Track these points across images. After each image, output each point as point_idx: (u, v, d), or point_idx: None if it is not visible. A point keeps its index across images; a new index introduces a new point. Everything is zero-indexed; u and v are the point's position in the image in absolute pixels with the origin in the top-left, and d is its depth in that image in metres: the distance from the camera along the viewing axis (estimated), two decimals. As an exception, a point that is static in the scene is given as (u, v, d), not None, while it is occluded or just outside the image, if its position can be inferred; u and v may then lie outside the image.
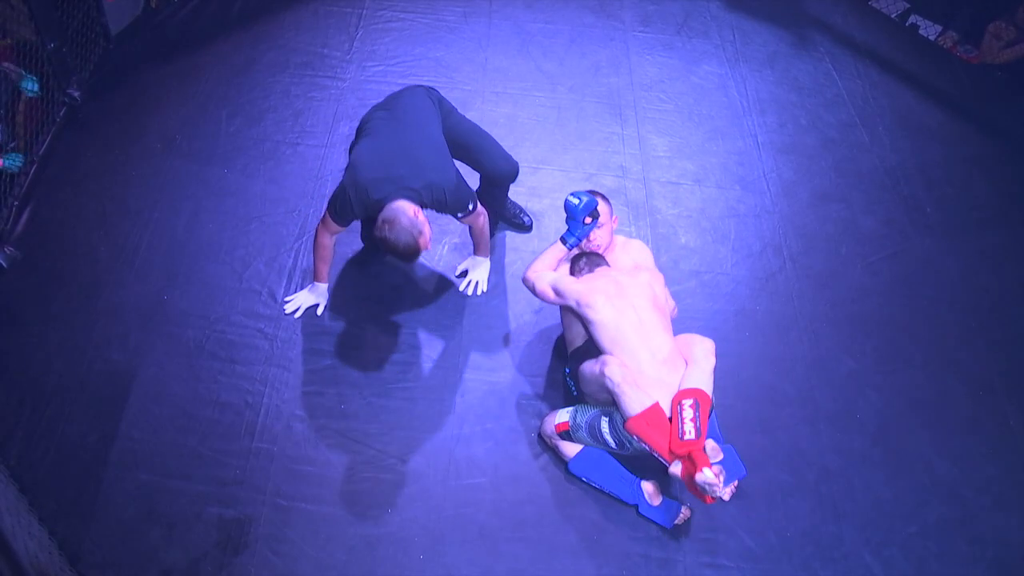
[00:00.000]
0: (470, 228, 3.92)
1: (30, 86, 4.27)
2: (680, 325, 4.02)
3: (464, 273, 4.13)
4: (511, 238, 4.34)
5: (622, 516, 3.46)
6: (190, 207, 4.26)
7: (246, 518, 3.30)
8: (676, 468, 3.11)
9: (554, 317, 3.93)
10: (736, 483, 3.18)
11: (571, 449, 3.52)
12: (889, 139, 5.15)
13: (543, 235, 4.34)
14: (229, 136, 4.62)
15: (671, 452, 3.12)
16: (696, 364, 3.30)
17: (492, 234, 4.21)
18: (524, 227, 4.40)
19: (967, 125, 5.37)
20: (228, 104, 4.78)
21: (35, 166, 4.27)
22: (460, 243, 4.27)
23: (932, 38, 6.03)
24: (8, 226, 4.04)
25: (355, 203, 3.43)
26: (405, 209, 3.32)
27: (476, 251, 4.07)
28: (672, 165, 4.75)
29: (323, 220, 3.60)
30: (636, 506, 3.48)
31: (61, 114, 4.53)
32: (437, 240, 4.26)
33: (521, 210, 4.42)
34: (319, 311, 3.92)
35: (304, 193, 4.39)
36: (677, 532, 3.43)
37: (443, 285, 4.12)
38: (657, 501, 3.46)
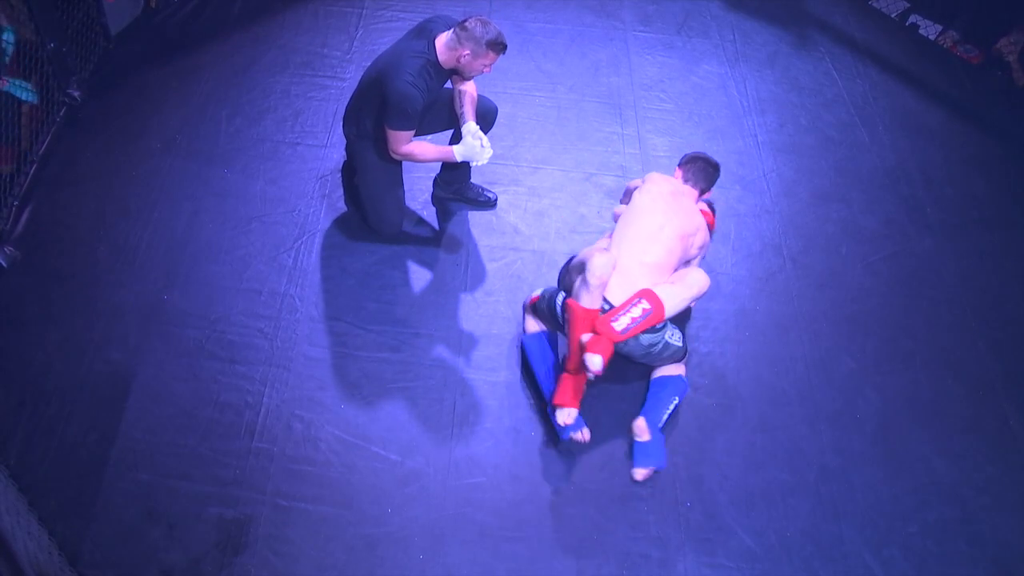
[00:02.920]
0: (463, 94, 3.93)
1: (25, 96, 4.26)
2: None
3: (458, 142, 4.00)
4: (511, 239, 4.34)
5: (622, 516, 3.46)
6: (190, 207, 4.26)
7: (246, 518, 3.30)
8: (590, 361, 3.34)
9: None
10: (652, 470, 3.53)
11: (531, 327, 3.80)
12: (889, 139, 5.15)
13: (543, 234, 4.35)
14: (229, 136, 4.62)
15: (596, 324, 3.39)
16: (679, 284, 3.53)
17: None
18: (491, 203, 4.47)
19: (967, 125, 5.37)
20: (228, 104, 4.78)
21: (35, 166, 4.27)
22: (459, 242, 4.27)
23: (932, 38, 6.02)
24: (8, 226, 4.04)
25: (420, 76, 3.61)
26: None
27: (467, 117, 3.91)
28: (672, 165, 4.69)
29: (397, 141, 3.73)
30: (548, 403, 3.62)
31: (61, 114, 4.53)
32: (436, 241, 4.27)
33: (483, 189, 4.48)
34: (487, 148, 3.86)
35: (304, 193, 4.39)
36: (677, 531, 3.43)
37: (443, 286, 4.12)
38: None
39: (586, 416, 3.64)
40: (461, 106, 3.91)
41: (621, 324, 3.37)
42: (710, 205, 4.07)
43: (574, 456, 3.60)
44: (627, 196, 3.98)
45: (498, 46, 3.62)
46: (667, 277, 3.57)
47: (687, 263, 3.80)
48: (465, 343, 3.92)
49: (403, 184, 4.15)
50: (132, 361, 3.68)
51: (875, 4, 6.17)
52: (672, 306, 3.44)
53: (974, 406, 3.97)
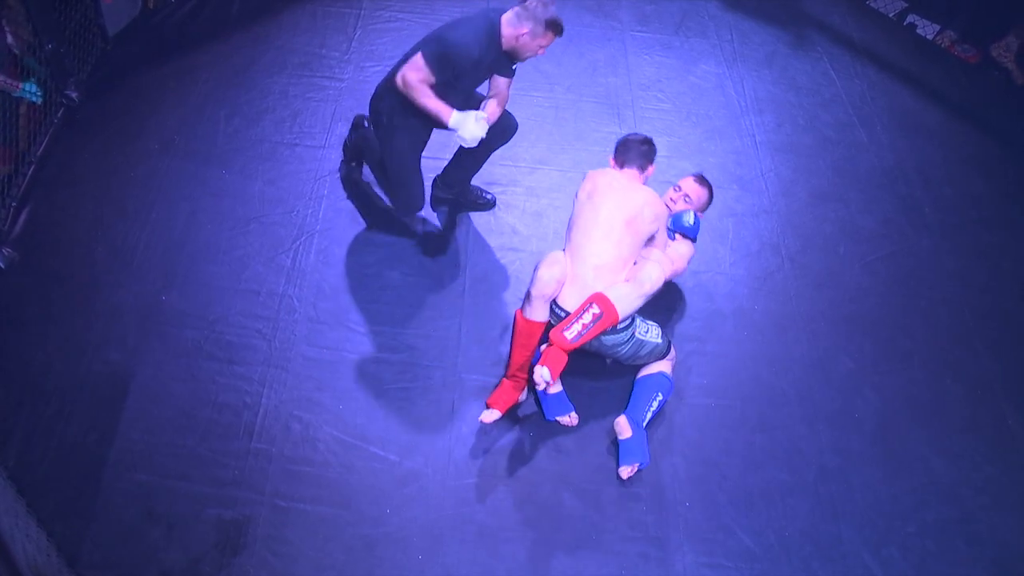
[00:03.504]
0: (496, 94, 3.91)
1: (32, 89, 4.27)
2: (679, 325, 4.04)
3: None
4: (509, 240, 4.34)
5: (621, 516, 3.46)
6: (188, 208, 4.26)
7: (245, 519, 3.30)
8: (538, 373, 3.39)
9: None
10: (636, 467, 3.53)
11: None
12: (887, 139, 5.16)
13: (541, 235, 4.35)
14: (227, 137, 4.61)
15: (551, 334, 3.42)
16: (632, 283, 3.48)
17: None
18: (489, 204, 4.47)
19: (965, 125, 5.38)
20: (226, 105, 4.78)
21: (33, 167, 4.27)
22: (457, 243, 4.28)
23: (930, 37, 6.03)
24: (6, 227, 4.03)
25: (478, 39, 3.64)
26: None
27: (487, 108, 3.88)
28: (670, 165, 4.74)
29: (415, 69, 3.65)
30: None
31: (59, 115, 4.53)
32: (435, 241, 4.27)
33: (482, 190, 4.47)
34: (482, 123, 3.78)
35: (302, 194, 4.39)
36: (676, 532, 3.43)
37: (441, 286, 4.12)
38: (554, 390, 3.64)
39: (582, 416, 3.66)
40: (487, 100, 3.91)
41: (572, 332, 3.39)
42: (699, 177, 4.13)
43: (573, 457, 3.60)
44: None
45: (556, 26, 3.63)
46: (627, 270, 3.54)
47: (651, 240, 3.70)
48: (464, 344, 3.92)
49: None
50: (131, 362, 3.68)
51: (873, 4, 6.18)
52: (625, 307, 3.42)
53: (972, 406, 3.98)
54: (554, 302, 3.52)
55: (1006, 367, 4.12)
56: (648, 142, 3.80)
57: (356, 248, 4.20)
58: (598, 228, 3.54)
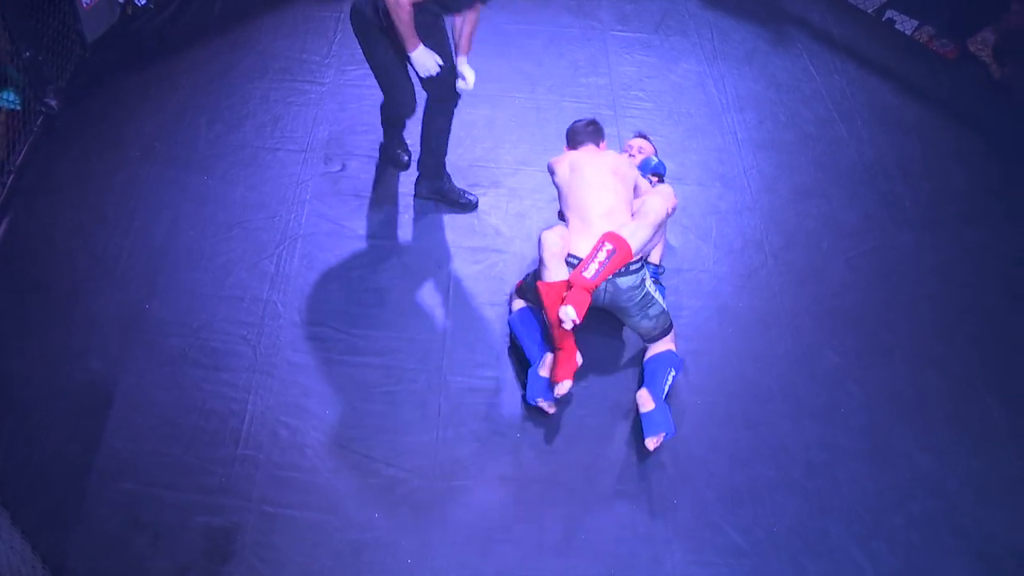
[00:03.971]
0: (463, 24, 4.01)
1: (10, 98, 4.24)
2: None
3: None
4: (492, 241, 4.34)
5: (610, 514, 3.46)
6: (170, 215, 4.24)
7: (232, 526, 3.28)
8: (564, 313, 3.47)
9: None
10: (663, 436, 3.58)
11: (516, 306, 3.93)
12: (867, 134, 5.18)
13: (525, 235, 4.35)
14: (208, 143, 4.59)
15: (570, 279, 3.54)
16: (638, 217, 3.65)
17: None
18: (471, 205, 4.49)
19: (944, 119, 5.41)
20: (207, 111, 4.76)
21: (12, 176, 4.24)
22: (441, 245, 4.27)
23: (908, 33, 6.06)
24: (-14, 237, 4.01)
25: None
26: None
27: (461, 52, 4.05)
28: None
29: None
30: (531, 364, 3.76)
31: (38, 124, 4.50)
32: (418, 244, 4.27)
33: (464, 191, 4.49)
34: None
35: (284, 199, 4.38)
36: (665, 530, 3.43)
37: (425, 289, 4.11)
38: (545, 373, 3.69)
39: (570, 418, 3.66)
40: (459, 38, 4.04)
41: (590, 271, 3.50)
42: (639, 134, 4.50)
43: (560, 457, 3.60)
44: (559, 193, 4.00)
45: None
46: (628, 214, 3.71)
47: (635, 190, 3.92)
48: (449, 346, 3.91)
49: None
50: (114, 370, 3.66)
51: (851, 0, 6.21)
52: (637, 240, 3.57)
53: (956, 400, 4.00)
54: (570, 254, 3.62)
55: (988, 361, 4.15)
56: (594, 123, 4.08)
57: (339, 252, 4.19)
58: (591, 185, 3.75)
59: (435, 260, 4.23)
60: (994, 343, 4.22)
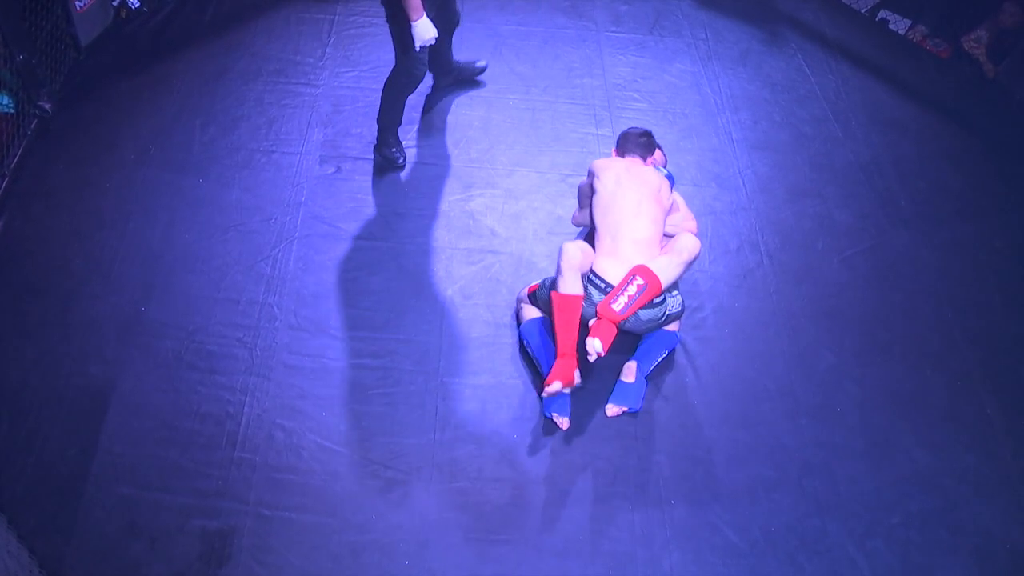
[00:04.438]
0: None
1: (4, 101, 4.23)
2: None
3: None
4: (488, 242, 4.34)
5: (608, 515, 3.46)
6: (165, 217, 4.24)
7: (229, 529, 3.28)
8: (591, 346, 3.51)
9: (534, 319, 3.94)
10: (625, 409, 3.71)
11: (528, 314, 3.92)
12: (862, 133, 5.19)
13: (520, 236, 4.35)
14: (203, 145, 4.59)
15: (598, 308, 3.55)
16: (671, 253, 3.65)
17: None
18: (483, 68, 5.02)
19: (939, 119, 5.42)
20: (201, 113, 4.75)
21: (6, 180, 4.23)
22: (437, 247, 4.27)
23: (902, 32, 6.08)
24: (-20, 241, 4.00)
25: None
26: None
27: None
28: (648, 164, 4.76)
29: None
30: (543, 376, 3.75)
31: (32, 127, 4.49)
32: (414, 246, 4.27)
33: (472, 62, 5.09)
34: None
35: (280, 201, 4.37)
36: (662, 530, 3.43)
37: (421, 290, 4.11)
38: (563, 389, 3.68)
39: (571, 419, 3.66)
40: None
41: (620, 304, 3.51)
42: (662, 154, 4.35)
43: (558, 458, 3.60)
44: (583, 196, 4.06)
45: None
46: (659, 246, 3.73)
47: (667, 218, 3.91)
48: (445, 347, 3.91)
49: None
50: (110, 374, 3.65)
51: (845, 0, 6.22)
52: (667, 277, 3.58)
53: (952, 396, 4.01)
54: (594, 273, 3.63)
55: (985, 357, 4.16)
56: (647, 135, 4.08)
57: (335, 254, 4.19)
58: (630, 208, 3.73)
59: (431, 262, 4.23)
60: (990, 339, 4.23)
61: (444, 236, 4.34)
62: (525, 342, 3.88)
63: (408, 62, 4.24)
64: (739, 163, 4.91)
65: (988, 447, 3.85)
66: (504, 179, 4.63)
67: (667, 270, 3.58)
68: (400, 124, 4.57)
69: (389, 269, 4.17)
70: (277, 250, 4.16)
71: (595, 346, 3.47)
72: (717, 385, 3.91)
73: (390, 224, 4.36)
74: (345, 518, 3.35)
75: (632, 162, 3.96)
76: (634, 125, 4.31)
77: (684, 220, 3.96)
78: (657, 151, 4.28)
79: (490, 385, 3.80)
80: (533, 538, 3.38)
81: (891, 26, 6.11)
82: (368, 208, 4.42)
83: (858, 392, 3.96)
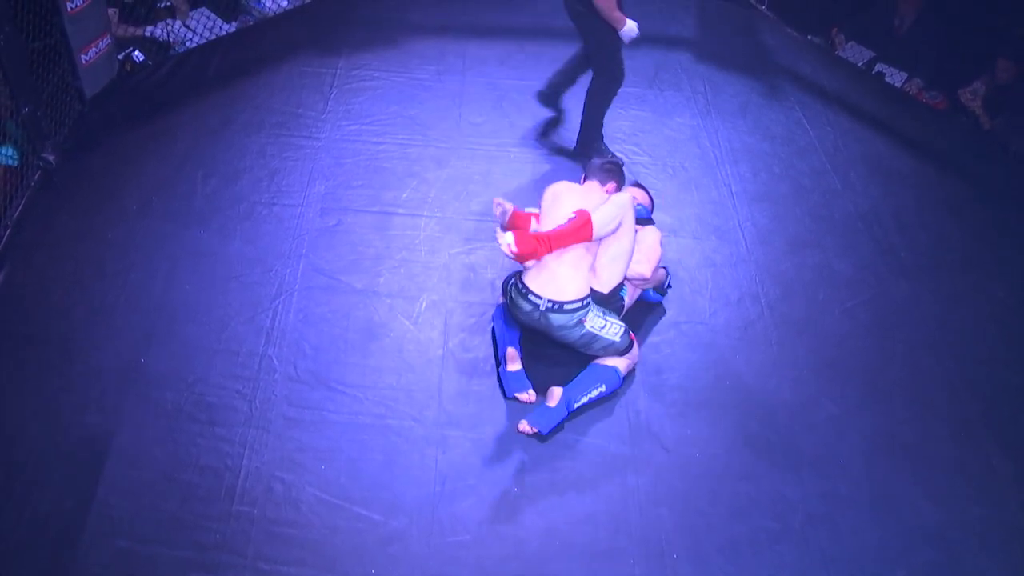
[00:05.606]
0: None
1: (8, 153, 4.27)
2: (659, 376, 4.03)
3: None
4: (489, 296, 4.34)
5: (609, 570, 3.41)
6: (166, 268, 4.25)
7: (227, 583, 3.24)
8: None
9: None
10: (536, 431, 3.73)
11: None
12: (861, 185, 5.23)
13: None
14: (205, 197, 4.62)
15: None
16: (608, 203, 3.84)
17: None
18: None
19: (936, 169, 5.46)
20: (204, 165, 4.79)
21: (9, 231, 4.25)
22: (437, 300, 4.27)
23: (898, 85, 6.15)
24: (-18, 292, 4.01)
25: None
26: None
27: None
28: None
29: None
30: (500, 362, 3.99)
31: (35, 178, 4.53)
32: (415, 298, 4.27)
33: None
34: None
35: (281, 253, 4.39)
36: (664, 584, 3.40)
37: (421, 343, 4.11)
38: (513, 368, 3.92)
39: (568, 472, 3.63)
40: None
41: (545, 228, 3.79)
42: (634, 183, 4.55)
43: (558, 511, 3.56)
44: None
45: None
46: (588, 264, 3.84)
47: (603, 244, 3.92)
48: (445, 400, 3.89)
49: None
50: (109, 424, 3.63)
51: (842, 54, 6.31)
52: (599, 220, 3.74)
53: (956, 447, 3.98)
54: (522, 283, 3.81)
55: (988, 407, 4.13)
56: (613, 164, 4.27)
57: (335, 306, 4.19)
58: (560, 222, 3.82)
59: (431, 315, 4.23)
60: (992, 389, 4.21)
61: (444, 289, 4.35)
62: (492, 324, 4.14)
63: (614, 67, 4.84)
64: (739, 215, 4.93)
65: (994, 498, 3.81)
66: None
67: (602, 215, 3.74)
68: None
69: (389, 322, 4.17)
70: (277, 302, 4.17)
71: (506, 238, 3.64)
72: (718, 437, 3.88)
73: (390, 277, 4.37)
74: (344, 572, 3.31)
75: (588, 186, 4.09)
76: (636, 180, 4.41)
77: (640, 258, 4.02)
78: (638, 189, 4.39)
79: (490, 437, 3.78)
80: (534, 593, 3.34)
81: (887, 79, 6.20)
82: (368, 261, 4.43)
83: (861, 443, 3.93)
